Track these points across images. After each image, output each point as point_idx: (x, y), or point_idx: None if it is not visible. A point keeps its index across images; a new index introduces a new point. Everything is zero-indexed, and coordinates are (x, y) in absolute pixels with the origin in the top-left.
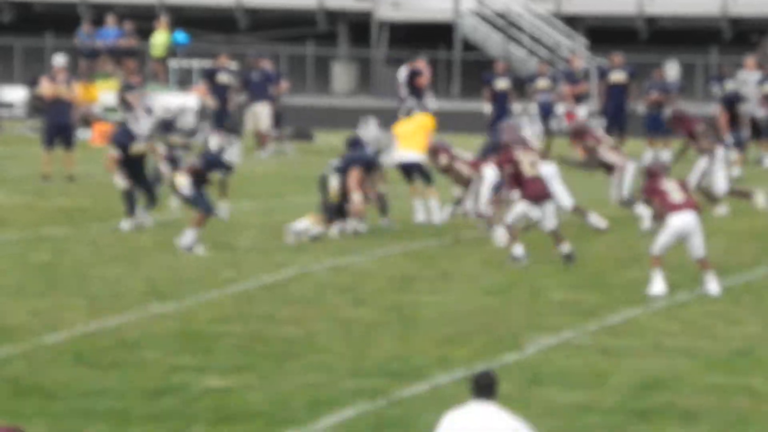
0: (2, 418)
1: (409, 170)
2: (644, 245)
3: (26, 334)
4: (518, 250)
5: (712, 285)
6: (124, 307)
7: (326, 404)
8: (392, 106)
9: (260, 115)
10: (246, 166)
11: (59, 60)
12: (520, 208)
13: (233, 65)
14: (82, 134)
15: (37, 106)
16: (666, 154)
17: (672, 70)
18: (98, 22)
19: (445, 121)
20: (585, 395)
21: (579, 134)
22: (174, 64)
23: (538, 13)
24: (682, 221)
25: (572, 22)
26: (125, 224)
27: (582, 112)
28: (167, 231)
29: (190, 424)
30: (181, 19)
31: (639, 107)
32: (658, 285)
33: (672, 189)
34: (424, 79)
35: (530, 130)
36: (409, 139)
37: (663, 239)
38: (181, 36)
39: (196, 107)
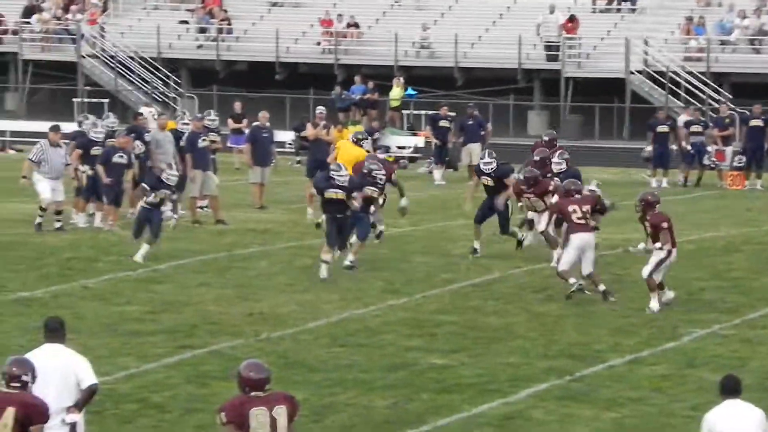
0: (276, 385)
1: None
2: None
3: (293, 321)
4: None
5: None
6: (368, 301)
7: (524, 379)
8: (576, 145)
9: (473, 152)
10: (461, 192)
11: (320, 110)
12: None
13: (452, 114)
14: None
15: (303, 145)
16: None
17: None
18: (348, 80)
19: (617, 158)
20: None
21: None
22: (406, 113)
23: (692, 72)
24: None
25: (719, 78)
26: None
27: (728, 151)
28: (399, 242)
29: (419, 392)
30: (411, 77)
31: None
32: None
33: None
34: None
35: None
36: None
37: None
38: (411, 91)
39: (423, 146)
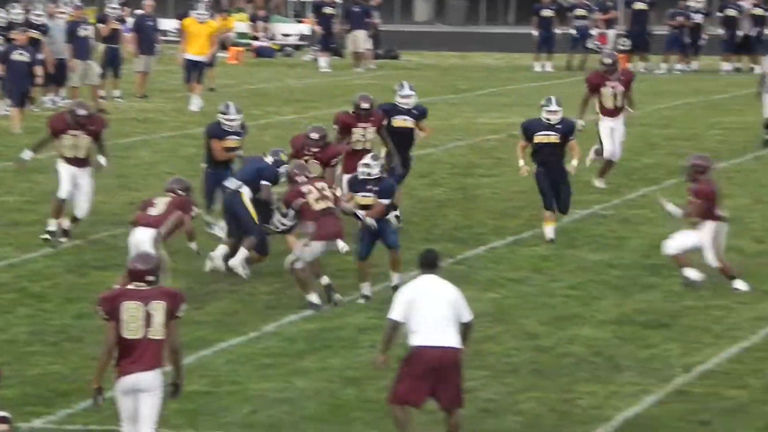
0: None
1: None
2: (654, 135)
3: None
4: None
5: None
6: None
7: (406, 263)
8: (462, 31)
9: (358, 39)
10: (347, 79)
11: None
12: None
13: (337, 0)
14: (220, 55)
15: None
16: (678, 67)
17: None
18: None
19: (502, 43)
20: (609, 255)
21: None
22: None
23: None
24: None
25: None
26: None
27: (611, 34)
28: (284, 130)
29: None
30: None
31: (657, 30)
32: None
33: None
34: None
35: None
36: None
37: None
38: None
39: (308, 33)
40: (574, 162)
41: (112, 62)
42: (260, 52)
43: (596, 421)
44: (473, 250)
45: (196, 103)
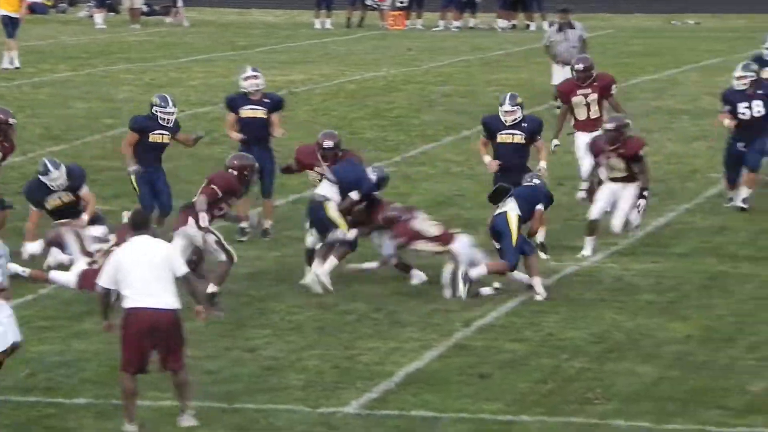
0: None
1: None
2: (432, 92)
3: None
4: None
5: None
6: (26, 148)
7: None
8: None
9: None
10: (123, 36)
11: None
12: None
13: None
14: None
15: None
16: (455, 24)
17: None
18: None
19: None
20: None
21: None
22: None
23: None
24: None
25: None
26: None
27: None
28: (59, 87)
29: None
30: None
31: None
32: None
33: None
34: None
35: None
36: None
37: None
38: None
39: None
40: (543, 164)
41: None
42: (33, 8)
43: (378, 377)
44: (255, 209)
45: (14, 59)
